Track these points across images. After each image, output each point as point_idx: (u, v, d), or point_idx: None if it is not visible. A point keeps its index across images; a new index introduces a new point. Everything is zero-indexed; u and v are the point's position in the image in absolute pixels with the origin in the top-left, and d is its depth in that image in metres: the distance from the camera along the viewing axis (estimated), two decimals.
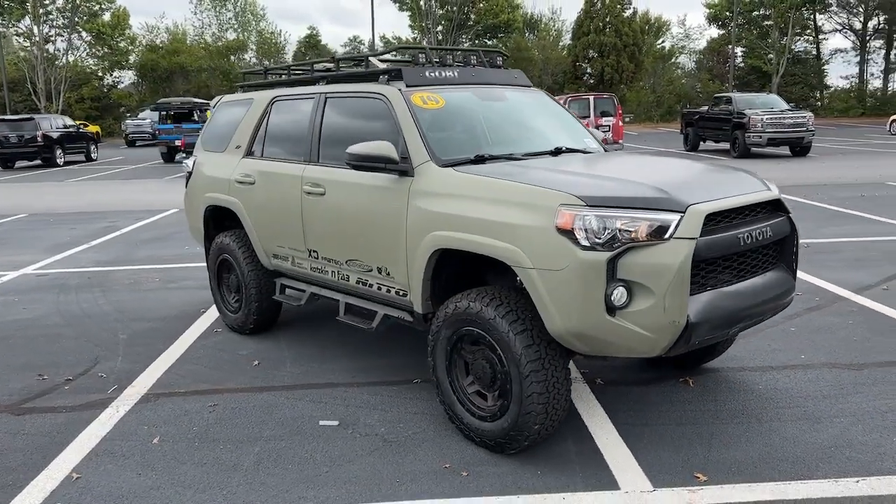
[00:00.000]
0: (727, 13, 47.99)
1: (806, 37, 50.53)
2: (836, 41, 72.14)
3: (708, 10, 50.83)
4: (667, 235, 2.92)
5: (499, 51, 4.91)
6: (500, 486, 3.12)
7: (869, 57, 50.66)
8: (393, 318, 4.05)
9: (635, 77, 47.11)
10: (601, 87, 44.46)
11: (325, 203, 4.27)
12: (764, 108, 21.63)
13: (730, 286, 3.19)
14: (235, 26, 51.14)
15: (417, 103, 3.97)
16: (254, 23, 51.69)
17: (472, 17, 46.54)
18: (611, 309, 2.93)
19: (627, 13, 47.30)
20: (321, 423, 3.82)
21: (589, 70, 47.75)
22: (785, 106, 23.35)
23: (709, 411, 3.82)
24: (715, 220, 3.09)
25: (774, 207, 3.51)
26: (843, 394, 3.98)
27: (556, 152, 4.17)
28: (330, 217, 4.25)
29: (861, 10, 48.61)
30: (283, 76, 5.33)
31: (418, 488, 3.12)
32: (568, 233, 2.95)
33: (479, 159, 3.81)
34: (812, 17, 49.26)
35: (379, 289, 4.03)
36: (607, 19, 45.95)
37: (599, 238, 2.92)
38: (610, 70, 45.81)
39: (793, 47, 47.62)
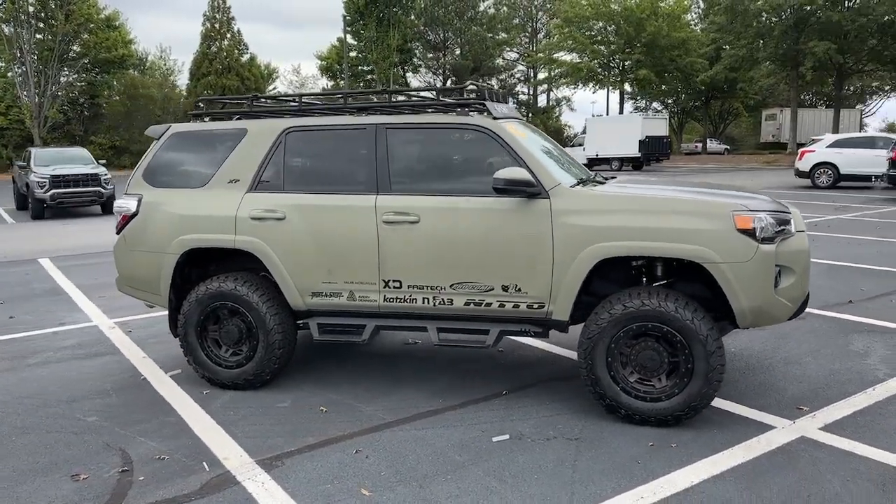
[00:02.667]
0: (337, 66, 52.16)
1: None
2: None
3: (320, 62, 54.57)
4: (793, 230, 4.00)
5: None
6: (708, 446, 3.77)
7: None
8: (509, 332, 4.31)
9: None
10: None
11: (420, 230, 4.29)
12: None
13: None
14: None
15: (515, 134, 4.35)
16: None
17: (77, 48, 41.77)
18: (775, 287, 3.88)
19: (245, 58, 48.06)
20: (494, 439, 3.91)
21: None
22: None
23: (735, 370, 4.98)
24: None
25: None
26: (782, 345, 5.55)
27: (596, 175, 4.95)
28: (428, 244, 4.28)
29: (440, 72, 57.61)
30: (284, 105, 4.97)
31: (657, 465, 3.58)
32: (749, 232, 3.82)
33: (582, 182, 4.38)
34: (404, 75, 56.51)
35: (501, 306, 4.24)
36: (227, 62, 45.95)
37: (766, 234, 3.85)
38: None
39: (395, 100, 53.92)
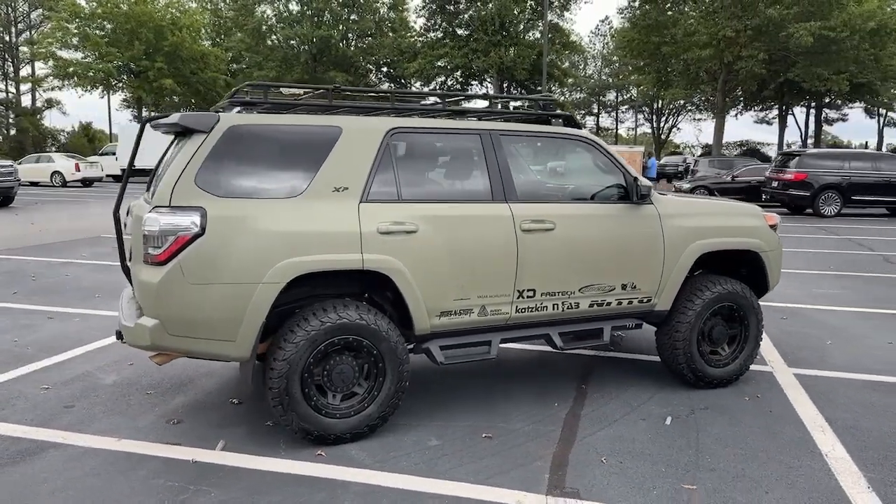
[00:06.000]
0: None
1: None
2: None
3: None
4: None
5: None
6: (772, 392, 4.90)
7: None
8: (617, 328, 4.70)
9: None
10: None
11: (555, 237, 4.33)
12: None
13: None
14: None
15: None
16: None
17: None
18: None
19: None
20: (667, 422, 4.30)
21: None
22: None
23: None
24: None
25: None
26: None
27: None
28: (563, 250, 4.34)
29: None
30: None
31: (781, 412, 4.51)
32: (774, 227, 5.11)
33: None
34: None
35: (618, 304, 4.59)
36: None
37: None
38: None
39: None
